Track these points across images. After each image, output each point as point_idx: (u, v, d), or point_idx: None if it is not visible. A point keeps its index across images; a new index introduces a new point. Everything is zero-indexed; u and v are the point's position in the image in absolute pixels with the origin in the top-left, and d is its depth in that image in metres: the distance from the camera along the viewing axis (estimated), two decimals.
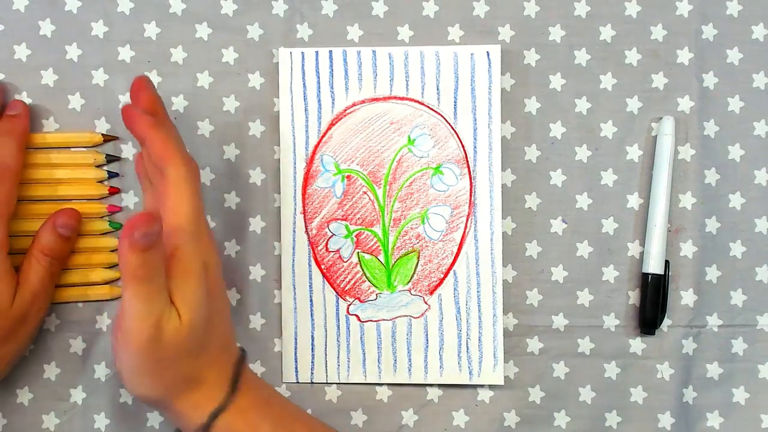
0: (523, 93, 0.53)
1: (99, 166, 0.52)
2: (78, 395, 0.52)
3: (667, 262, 0.52)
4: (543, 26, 0.54)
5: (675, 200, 0.53)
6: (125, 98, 0.53)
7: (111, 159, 0.53)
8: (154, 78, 0.53)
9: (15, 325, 0.48)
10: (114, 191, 0.52)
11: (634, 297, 0.53)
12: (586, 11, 0.54)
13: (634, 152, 0.53)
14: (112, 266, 0.52)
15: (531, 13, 0.54)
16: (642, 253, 0.53)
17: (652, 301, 0.52)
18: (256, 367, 0.53)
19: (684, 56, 0.54)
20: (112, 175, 0.53)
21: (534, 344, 0.53)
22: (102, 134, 0.52)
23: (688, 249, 0.53)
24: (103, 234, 0.52)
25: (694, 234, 0.53)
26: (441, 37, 0.53)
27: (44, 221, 0.50)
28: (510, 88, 0.53)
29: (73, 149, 0.52)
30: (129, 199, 0.53)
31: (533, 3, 0.54)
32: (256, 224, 0.53)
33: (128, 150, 0.53)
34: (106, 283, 0.52)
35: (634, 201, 0.53)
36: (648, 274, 0.52)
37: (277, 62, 0.53)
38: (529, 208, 0.53)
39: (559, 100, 0.54)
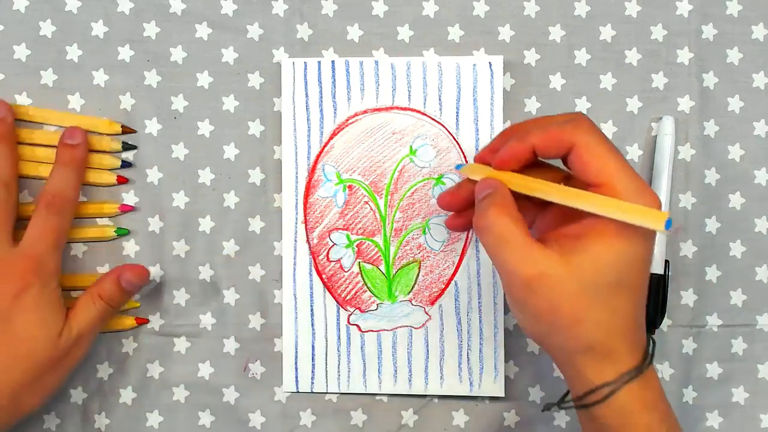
0: (523, 93, 0.53)
1: (115, 154, 0.52)
2: (78, 395, 0.53)
3: (667, 262, 0.52)
4: (543, 26, 0.54)
5: (675, 200, 0.53)
6: (125, 98, 0.53)
7: (127, 147, 0.53)
8: (154, 78, 0.53)
9: (59, 359, 0.48)
10: (122, 181, 0.52)
11: None
12: (586, 11, 0.54)
13: (634, 152, 0.53)
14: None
15: (531, 13, 0.54)
16: None
17: (652, 301, 0.52)
18: (257, 367, 0.53)
19: (684, 56, 0.54)
20: (125, 164, 0.53)
21: (534, 344, 0.53)
22: (122, 125, 0.52)
23: (688, 249, 0.53)
24: (112, 240, 0.53)
25: (694, 234, 0.53)
26: (441, 37, 0.53)
27: (110, 270, 0.51)
28: (510, 88, 0.53)
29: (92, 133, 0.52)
30: (139, 192, 0.53)
31: (533, 3, 0.54)
32: (255, 224, 0.53)
33: (144, 140, 0.53)
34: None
35: None
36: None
37: (277, 62, 0.53)
38: None
39: (559, 100, 0.53)
